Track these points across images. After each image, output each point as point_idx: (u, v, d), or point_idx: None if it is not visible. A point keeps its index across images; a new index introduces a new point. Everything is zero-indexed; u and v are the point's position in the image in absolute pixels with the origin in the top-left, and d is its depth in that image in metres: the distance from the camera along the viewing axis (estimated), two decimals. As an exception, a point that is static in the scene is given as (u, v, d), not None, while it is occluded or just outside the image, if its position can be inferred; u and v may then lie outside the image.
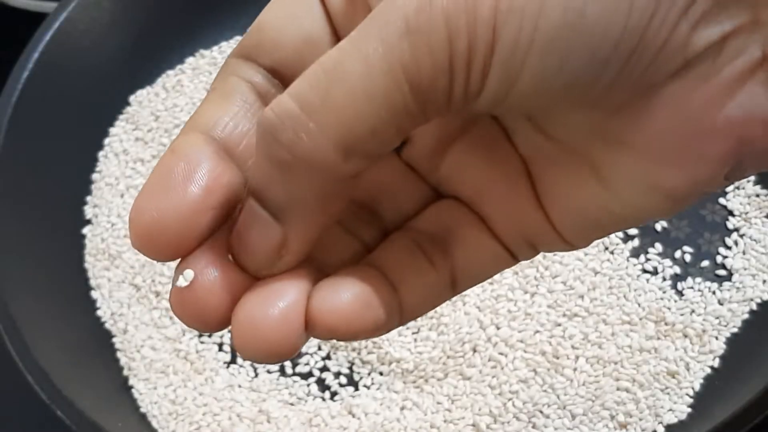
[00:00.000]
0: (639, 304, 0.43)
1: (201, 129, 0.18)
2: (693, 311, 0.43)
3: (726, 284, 0.44)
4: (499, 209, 0.20)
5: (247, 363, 0.44)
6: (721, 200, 0.46)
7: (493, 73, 0.16)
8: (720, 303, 0.43)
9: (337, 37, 0.19)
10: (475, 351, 0.42)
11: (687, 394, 0.41)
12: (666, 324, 0.42)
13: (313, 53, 0.19)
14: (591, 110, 0.18)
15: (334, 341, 0.44)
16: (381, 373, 0.43)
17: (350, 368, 0.43)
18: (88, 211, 0.50)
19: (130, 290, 0.47)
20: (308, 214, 0.18)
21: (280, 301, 0.17)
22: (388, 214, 0.21)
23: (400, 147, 0.21)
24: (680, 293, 0.44)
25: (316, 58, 0.18)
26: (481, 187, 0.20)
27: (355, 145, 0.16)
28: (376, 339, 0.43)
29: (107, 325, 0.46)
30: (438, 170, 0.21)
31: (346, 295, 0.18)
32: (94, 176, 0.51)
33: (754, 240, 0.45)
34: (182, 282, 0.17)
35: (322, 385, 0.43)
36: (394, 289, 0.19)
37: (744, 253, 0.44)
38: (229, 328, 0.18)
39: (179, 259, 0.18)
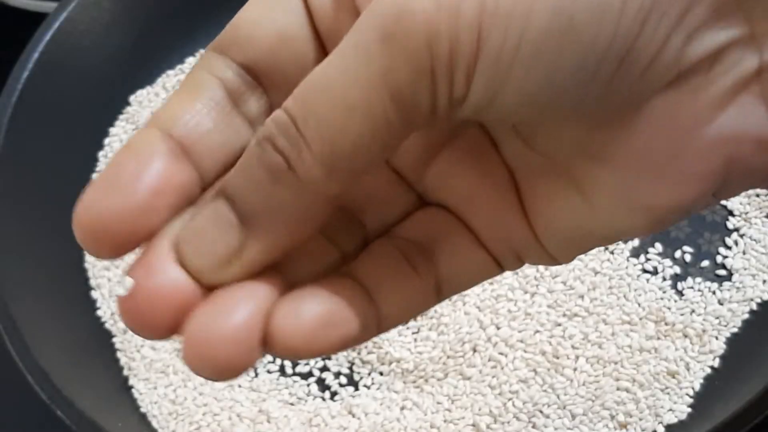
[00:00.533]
0: (639, 304, 0.43)
1: (161, 125, 0.18)
2: (693, 311, 0.43)
3: (726, 284, 0.44)
4: (485, 219, 0.20)
5: (247, 363, 0.44)
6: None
7: (478, 78, 0.16)
8: (720, 303, 0.43)
9: (318, 37, 0.19)
10: (475, 351, 0.42)
11: (687, 394, 0.41)
12: (666, 324, 0.42)
13: (288, 51, 0.19)
14: (576, 124, 0.17)
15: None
16: (381, 373, 0.43)
17: (350, 368, 0.43)
18: (88, 211, 0.50)
19: (130, 290, 0.47)
20: (277, 226, 0.17)
21: (236, 315, 0.17)
22: (371, 221, 0.20)
23: None
24: (680, 293, 0.44)
25: (291, 57, 0.18)
26: (467, 196, 0.20)
27: (338, 161, 0.16)
28: (376, 339, 0.43)
29: (107, 325, 0.46)
30: (425, 177, 0.20)
31: (309, 312, 0.17)
32: (95, 176, 0.51)
33: (754, 240, 0.45)
34: (122, 291, 0.17)
35: (322, 385, 0.43)
36: (370, 298, 0.18)
37: (744, 253, 0.44)
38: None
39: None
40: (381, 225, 0.20)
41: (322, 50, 0.19)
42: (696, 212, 0.19)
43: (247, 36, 0.19)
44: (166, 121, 0.18)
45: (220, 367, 0.17)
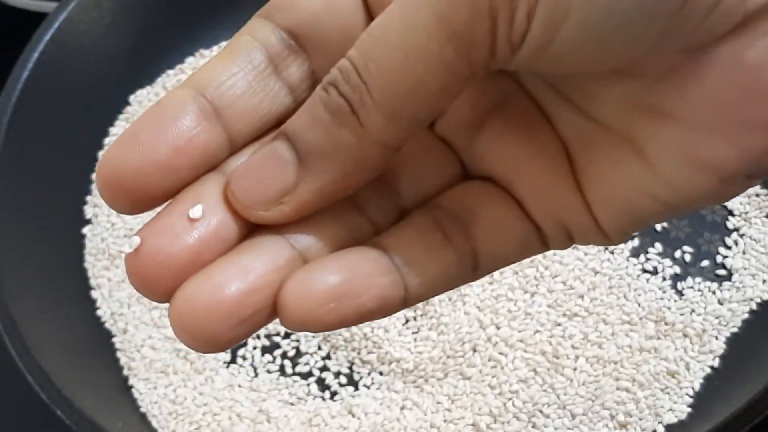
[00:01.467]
0: (639, 304, 0.43)
1: (195, 85, 0.18)
2: (693, 311, 0.43)
3: (726, 284, 0.44)
4: (534, 189, 0.19)
5: (247, 363, 0.44)
6: (721, 200, 0.46)
7: (539, 13, 0.16)
8: (720, 303, 0.43)
9: (365, 5, 0.19)
10: (475, 351, 0.42)
11: (687, 394, 0.41)
12: (666, 324, 0.42)
13: (334, 17, 0.19)
14: (633, 79, 0.17)
15: (334, 341, 0.44)
16: (381, 373, 0.43)
17: (350, 368, 0.43)
18: (88, 211, 0.50)
19: (130, 290, 0.47)
20: (334, 168, 0.17)
21: (224, 289, 0.17)
22: (408, 190, 0.20)
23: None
24: (680, 293, 0.44)
25: (337, 22, 0.18)
26: (517, 165, 0.19)
27: (398, 106, 0.16)
28: (375, 339, 0.43)
29: (107, 325, 0.46)
30: (473, 145, 0.20)
31: (322, 284, 0.17)
32: (94, 176, 0.51)
33: (754, 240, 0.45)
34: (127, 248, 0.17)
35: (322, 384, 0.43)
36: (396, 270, 0.18)
37: (744, 252, 0.45)
38: None
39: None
40: (418, 195, 0.20)
41: (369, 18, 0.19)
42: (763, 177, 0.18)
43: (294, 1, 0.19)
44: (200, 82, 0.18)
45: (200, 338, 0.17)
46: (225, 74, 0.18)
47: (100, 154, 0.52)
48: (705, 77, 0.16)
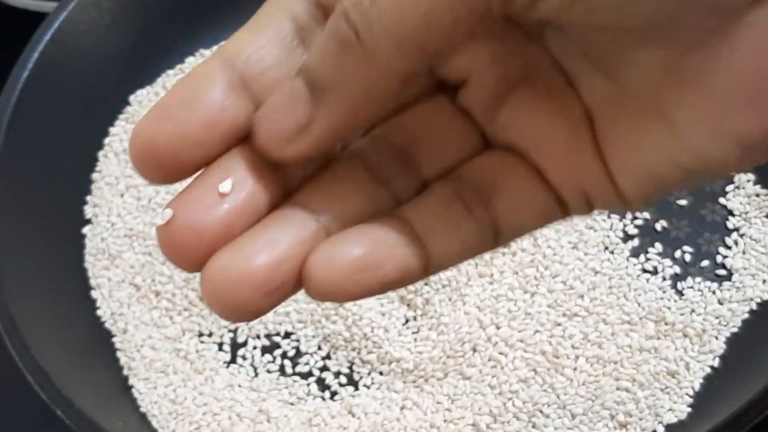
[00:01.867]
0: (639, 304, 0.43)
1: (223, 57, 0.18)
2: (693, 311, 0.43)
3: (726, 284, 0.44)
4: (555, 158, 0.19)
5: (247, 363, 0.44)
6: (721, 200, 0.46)
7: None
8: (720, 303, 0.43)
9: None
10: (475, 351, 0.42)
11: (687, 394, 0.41)
12: (666, 324, 0.42)
13: None
14: (666, 45, 0.17)
15: (334, 341, 0.44)
16: (381, 373, 0.43)
17: (350, 368, 0.43)
18: (88, 211, 0.50)
19: (130, 290, 0.47)
20: (344, 99, 0.17)
21: (253, 260, 0.17)
22: (428, 162, 0.20)
23: (455, 91, 0.20)
24: (680, 293, 0.44)
25: None
26: (539, 136, 0.19)
27: (408, 34, 0.16)
28: (375, 339, 0.43)
29: (107, 325, 0.46)
30: (495, 117, 0.20)
31: (346, 256, 0.17)
32: (94, 176, 0.51)
33: (754, 240, 0.45)
34: (160, 220, 0.18)
35: (322, 384, 0.43)
36: (418, 240, 0.18)
37: (744, 252, 0.45)
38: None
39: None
40: (439, 167, 0.20)
41: None
42: None
43: None
44: (229, 54, 0.18)
45: (231, 307, 0.17)
46: (253, 46, 0.18)
47: (100, 154, 0.52)
48: (736, 46, 0.16)
